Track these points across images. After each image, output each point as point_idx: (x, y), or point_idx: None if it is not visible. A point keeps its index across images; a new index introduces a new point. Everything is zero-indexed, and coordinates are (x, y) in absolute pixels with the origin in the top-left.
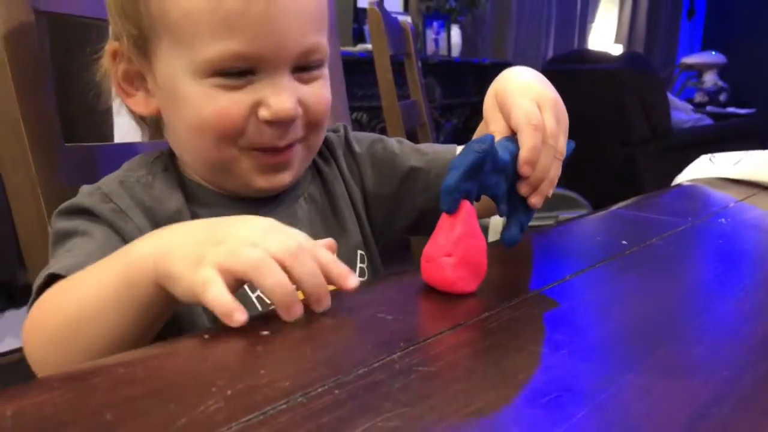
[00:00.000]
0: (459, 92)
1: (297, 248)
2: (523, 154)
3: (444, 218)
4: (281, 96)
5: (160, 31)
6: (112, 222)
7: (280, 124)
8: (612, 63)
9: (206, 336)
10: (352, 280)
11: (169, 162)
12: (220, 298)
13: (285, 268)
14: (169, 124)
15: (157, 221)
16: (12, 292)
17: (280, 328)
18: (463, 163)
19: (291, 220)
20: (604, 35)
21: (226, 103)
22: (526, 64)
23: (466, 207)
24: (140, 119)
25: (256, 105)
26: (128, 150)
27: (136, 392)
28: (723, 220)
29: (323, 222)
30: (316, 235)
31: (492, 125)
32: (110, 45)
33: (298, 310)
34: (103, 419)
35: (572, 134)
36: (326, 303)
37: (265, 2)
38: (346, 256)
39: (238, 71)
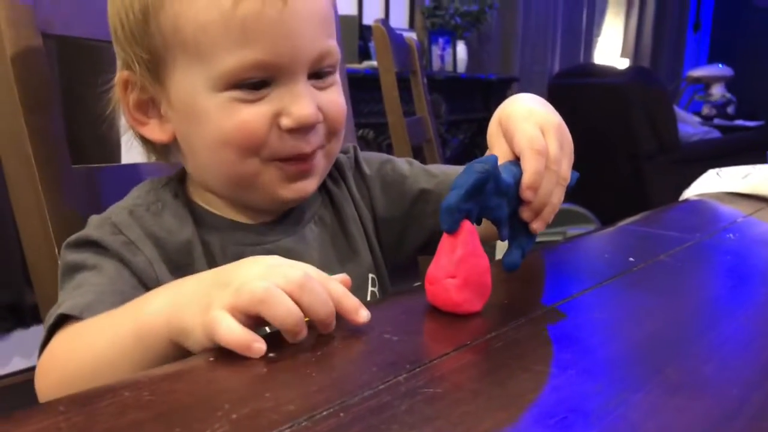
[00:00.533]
0: (465, 108)
1: (303, 277)
2: (526, 178)
3: (445, 239)
4: (301, 102)
5: (174, 50)
6: (121, 255)
7: (303, 130)
8: (618, 77)
9: (211, 358)
10: (362, 314)
11: (178, 188)
12: (232, 334)
13: (293, 299)
14: (186, 145)
15: (167, 252)
16: (20, 312)
17: (286, 349)
18: (464, 182)
19: (301, 244)
20: (610, 49)
21: (247, 116)
22: (532, 80)
23: (467, 227)
24: (151, 148)
25: (277, 115)
26: (135, 170)
27: (142, 416)
28: (731, 235)
29: (333, 245)
30: (326, 259)
31: (495, 150)
32: (120, 75)
33: (304, 333)
34: None
35: (579, 149)
36: (333, 326)
37: (280, 6)
38: (357, 281)
39: (255, 82)
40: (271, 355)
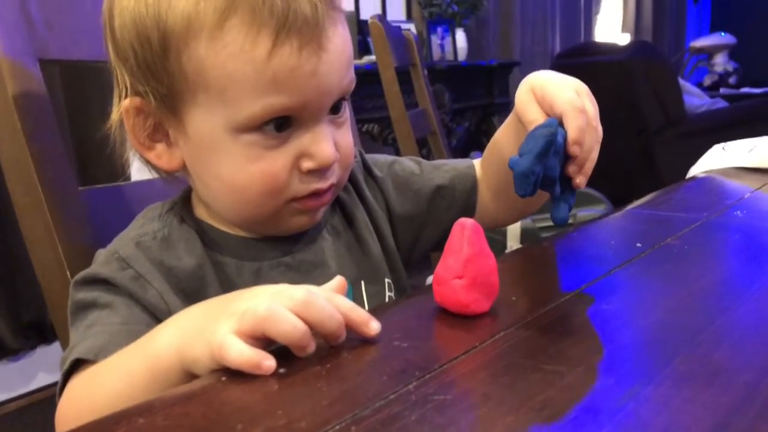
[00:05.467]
0: (468, 95)
1: (307, 295)
2: (572, 134)
3: (452, 239)
4: (322, 144)
5: (195, 89)
6: (132, 292)
7: (322, 170)
8: (620, 53)
9: (223, 378)
10: (373, 326)
11: (184, 210)
12: (241, 355)
13: (299, 317)
14: (200, 177)
15: (178, 280)
16: (42, 328)
17: (296, 364)
18: (534, 147)
19: (319, 255)
20: (611, 25)
21: (270, 163)
22: (533, 61)
23: (472, 226)
24: (156, 170)
25: (298, 157)
26: (143, 188)
27: None
28: (739, 212)
29: (349, 253)
30: (343, 267)
31: (528, 115)
32: (131, 102)
33: (313, 347)
34: None
35: None
36: (343, 338)
37: (315, 62)
38: (375, 287)
39: (278, 123)
40: (281, 370)
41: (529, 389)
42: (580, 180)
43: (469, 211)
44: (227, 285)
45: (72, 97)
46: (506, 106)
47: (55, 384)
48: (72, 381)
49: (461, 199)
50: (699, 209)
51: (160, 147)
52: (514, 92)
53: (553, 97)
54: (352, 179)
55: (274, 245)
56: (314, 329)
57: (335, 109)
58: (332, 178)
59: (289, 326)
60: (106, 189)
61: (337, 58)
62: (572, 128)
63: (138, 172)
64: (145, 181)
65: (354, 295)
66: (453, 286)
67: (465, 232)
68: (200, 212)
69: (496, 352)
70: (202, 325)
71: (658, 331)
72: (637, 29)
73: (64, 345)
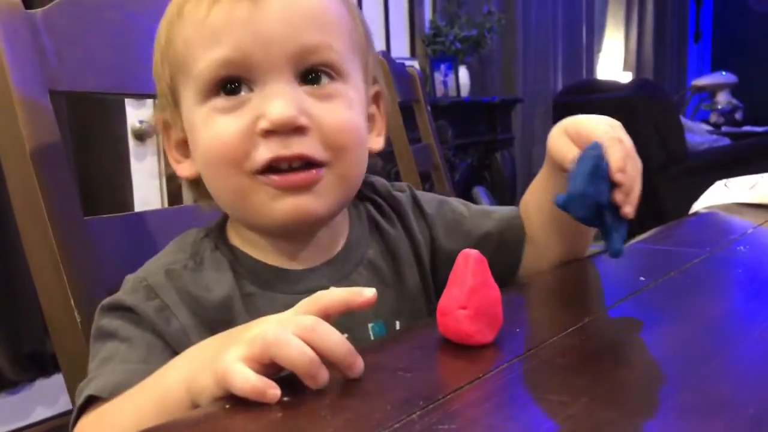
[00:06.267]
0: (471, 132)
1: (314, 323)
2: (614, 163)
3: (456, 270)
4: (277, 101)
5: (177, 74)
6: (155, 324)
7: (281, 134)
8: (622, 91)
9: (227, 405)
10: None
11: (218, 238)
12: (247, 382)
13: (306, 343)
14: (202, 177)
15: (205, 311)
16: (41, 361)
17: (299, 392)
18: (583, 168)
19: None
20: (612, 64)
21: (223, 126)
22: (535, 99)
23: (477, 257)
24: (194, 190)
25: (255, 121)
26: (148, 219)
27: None
28: (742, 247)
29: (386, 289)
30: (379, 305)
31: (568, 154)
32: (157, 116)
33: (324, 376)
34: None
35: None
36: (360, 366)
37: (247, 6)
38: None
39: (233, 87)
40: (285, 399)
41: (533, 420)
42: (629, 209)
43: (515, 261)
44: (256, 318)
45: (77, 126)
46: (509, 142)
47: (52, 418)
48: (84, 419)
49: (509, 250)
50: (702, 244)
51: (188, 161)
52: (516, 128)
53: (589, 132)
54: (400, 212)
55: (306, 276)
56: (323, 356)
57: (310, 79)
58: (301, 147)
59: (295, 351)
60: (111, 219)
61: (281, 9)
62: (614, 157)
63: (142, 202)
64: (150, 212)
65: (387, 333)
66: (457, 317)
67: (469, 263)
68: (234, 238)
69: (500, 383)
70: (210, 356)
71: (662, 363)
72: (638, 67)
73: (67, 376)
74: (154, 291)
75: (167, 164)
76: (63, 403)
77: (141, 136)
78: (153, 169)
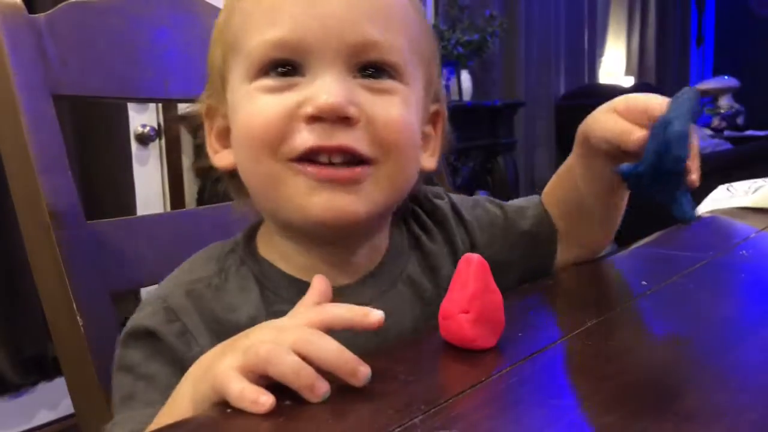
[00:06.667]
0: (473, 135)
1: (310, 335)
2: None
3: (458, 274)
4: (324, 87)
5: (229, 54)
6: (176, 350)
7: (327, 121)
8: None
9: (228, 410)
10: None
11: (246, 251)
12: (240, 390)
13: (304, 358)
14: (236, 163)
15: (227, 335)
16: (44, 365)
17: (301, 397)
18: (682, 108)
19: (389, 310)
20: (614, 68)
21: (267, 102)
22: (538, 103)
23: (479, 261)
24: (232, 186)
25: (300, 105)
26: (151, 223)
27: None
28: (744, 252)
29: (425, 308)
30: (417, 322)
31: (623, 126)
32: (203, 102)
33: (323, 387)
34: None
35: None
36: (363, 373)
37: None
38: None
39: (284, 70)
40: (287, 403)
41: (534, 424)
42: (696, 177)
43: (550, 257)
44: None
45: (79, 130)
46: (511, 146)
47: (55, 422)
48: None
49: (544, 245)
50: (704, 248)
51: (227, 151)
52: (519, 132)
53: (646, 104)
54: (442, 223)
55: (342, 295)
56: (321, 368)
57: (367, 73)
58: (345, 139)
59: (287, 368)
60: (113, 223)
61: None
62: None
63: (145, 206)
64: (152, 216)
65: None
66: (459, 321)
67: (471, 267)
68: (264, 250)
69: (502, 387)
70: (209, 363)
71: (663, 368)
72: (640, 71)
73: (69, 380)
74: (175, 313)
75: (170, 168)
76: (65, 407)
77: (144, 140)
78: (155, 173)
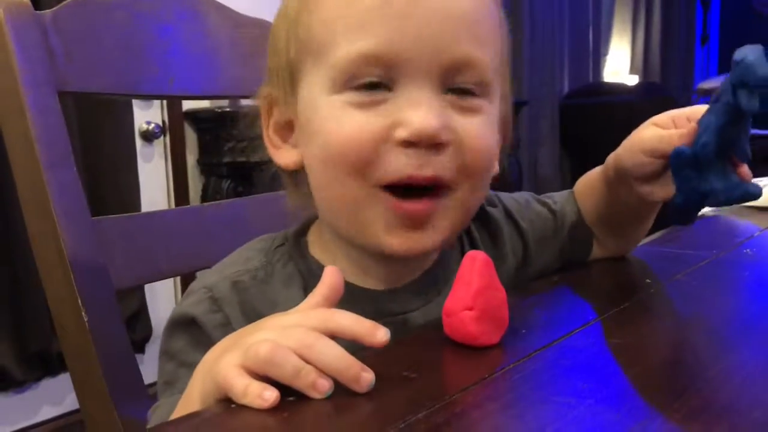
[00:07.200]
0: None
1: (313, 340)
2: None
3: (462, 271)
4: (422, 110)
5: (305, 54)
6: (216, 340)
7: (421, 146)
8: (628, 94)
9: (232, 405)
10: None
11: (295, 246)
12: (244, 387)
13: (305, 360)
14: (306, 167)
15: None
16: (48, 360)
17: None
18: (757, 51)
19: (431, 320)
20: (619, 67)
21: (355, 124)
22: (541, 102)
23: (483, 259)
24: (288, 181)
25: (393, 127)
26: (155, 219)
27: None
28: (748, 250)
29: None
30: None
31: (674, 136)
32: (264, 89)
33: (325, 385)
34: None
35: (594, 167)
36: (366, 379)
37: (410, 2)
38: None
39: (373, 83)
40: (291, 398)
41: (538, 421)
42: (747, 168)
43: (585, 255)
44: None
45: (85, 125)
46: (515, 144)
47: (59, 417)
48: None
49: (582, 247)
50: (708, 247)
51: (287, 147)
52: (522, 131)
53: (691, 110)
54: (495, 234)
55: (385, 298)
56: (321, 371)
57: (457, 90)
58: (437, 169)
59: (288, 372)
60: (118, 219)
61: (444, 8)
62: None
63: (149, 203)
64: (157, 212)
65: None
66: (462, 318)
67: (475, 264)
68: (315, 248)
69: (505, 384)
70: (214, 358)
71: (667, 366)
72: (645, 70)
73: (74, 376)
74: (219, 304)
75: (174, 165)
76: (69, 403)
77: (148, 137)
78: (160, 169)
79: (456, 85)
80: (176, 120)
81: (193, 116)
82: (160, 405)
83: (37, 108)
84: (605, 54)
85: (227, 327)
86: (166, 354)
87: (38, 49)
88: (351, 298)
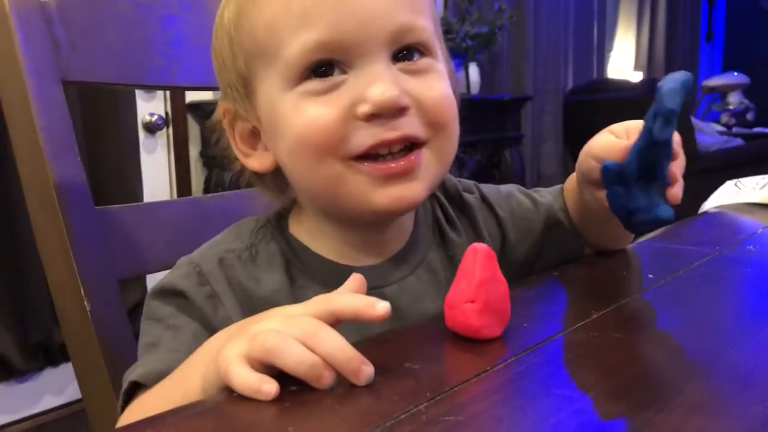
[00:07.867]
0: (480, 129)
1: (317, 328)
2: (676, 138)
3: (464, 264)
4: (379, 83)
5: (254, 61)
6: (203, 310)
7: (384, 117)
8: (632, 90)
9: (235, 394)
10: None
11: (276, 228)
12: (241, 379)
13: (309, 349)
14: (280, 165)
15: (252, 305)
16: (49, 350)
17: (307, 383)
18: (677, 79)
19: (404, 296)
20: (623, 63)
21: (315, 110)
22: (546, 97)
23: (485, 251)
24: (263, 184)
25: (354, 104)
26: (158, 209)
27: None
28: (751, 247)
29: (439, 297)
30: (436, 310)
31: (620, 142)
32: (221, 106)
33: (328, 377)
34: None
35: None
36: (366, 372)
37: None
38: None
39: (325, 69)
40: (293, 388)
41: (540, 413)
42: (677, 190)
43: (579, 247)
44: None
45: (87, 116)
46: (518, 140)
47: (60, 407)
48: (129, 408)
49: (573, 237)
50: (711, 243)
51: (258, 153)
52: (526, 126)
53: (637, 124)
54: (470, 218)
55: (367, 275)
56: (325, 361)
57: (402, 55)
58: (405, 128)
59: (293, 359)
60: (121, 209)
61: None
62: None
63: (152, 194)
64: (160, 203)
65: None
66: (465, 311)
67: (478, 257)
68: (295, 228)
69: (507, 376)
70: (218, 347)
71: (669, 360)
72: (649, 67)
73: (76, 365)
74: (206, 278)
75: (177, 157)
76: (71, 393)
77: (151, 129)
78: (163, 161)
79: (403, 47)
80: (179, 112)
81: (196, 108)
82: (140, 364)
83: (41, 97)
84: (610, 50)
85: (214, 299)
86: (151, 318)
87: (42, 39)
88: (329, 273)
